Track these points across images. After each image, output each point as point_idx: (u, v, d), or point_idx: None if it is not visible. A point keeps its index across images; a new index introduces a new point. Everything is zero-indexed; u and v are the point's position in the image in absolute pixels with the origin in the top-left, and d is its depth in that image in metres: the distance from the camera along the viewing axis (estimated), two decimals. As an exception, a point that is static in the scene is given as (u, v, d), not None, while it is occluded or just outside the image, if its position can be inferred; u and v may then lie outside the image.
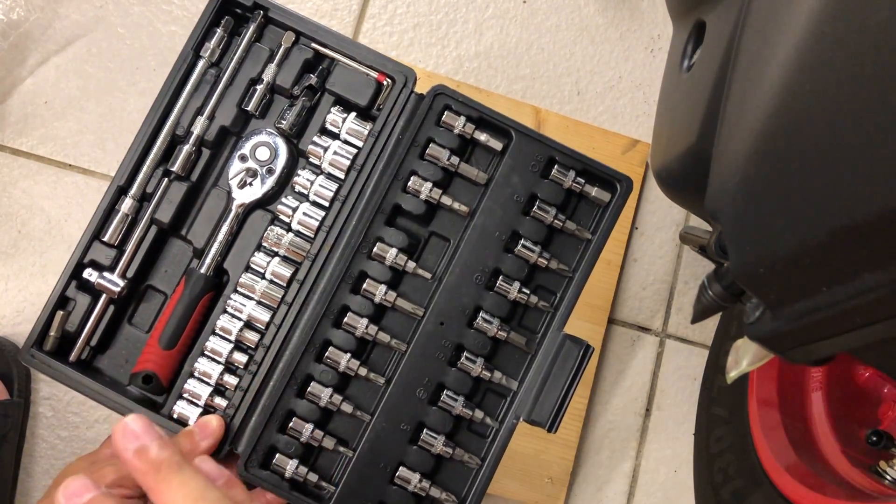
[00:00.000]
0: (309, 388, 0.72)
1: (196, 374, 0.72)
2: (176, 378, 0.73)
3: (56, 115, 1.01)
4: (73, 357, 0.73)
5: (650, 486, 1.04)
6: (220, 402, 0.72)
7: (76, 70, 1.03)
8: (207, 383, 0.72)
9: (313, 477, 0.71)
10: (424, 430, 0.73)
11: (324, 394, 0.71)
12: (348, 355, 0.72)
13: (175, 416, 0.72)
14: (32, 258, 1.00)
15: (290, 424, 0.71)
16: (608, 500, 1.03)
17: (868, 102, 0.42)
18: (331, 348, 0.72)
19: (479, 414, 0.73)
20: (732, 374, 0.70)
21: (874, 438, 0.75)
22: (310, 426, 0.71)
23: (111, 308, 0.74)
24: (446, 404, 0.73)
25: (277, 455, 0.71)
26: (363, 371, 0.72)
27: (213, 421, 0.69)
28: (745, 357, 0.68)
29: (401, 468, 0.72)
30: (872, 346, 0.51)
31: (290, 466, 0.71)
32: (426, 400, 0.73)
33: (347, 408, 0.72)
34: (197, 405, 0.72)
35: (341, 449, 0.72)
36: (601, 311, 1.03)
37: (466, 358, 0.73)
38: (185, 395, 0.72)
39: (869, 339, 0.49)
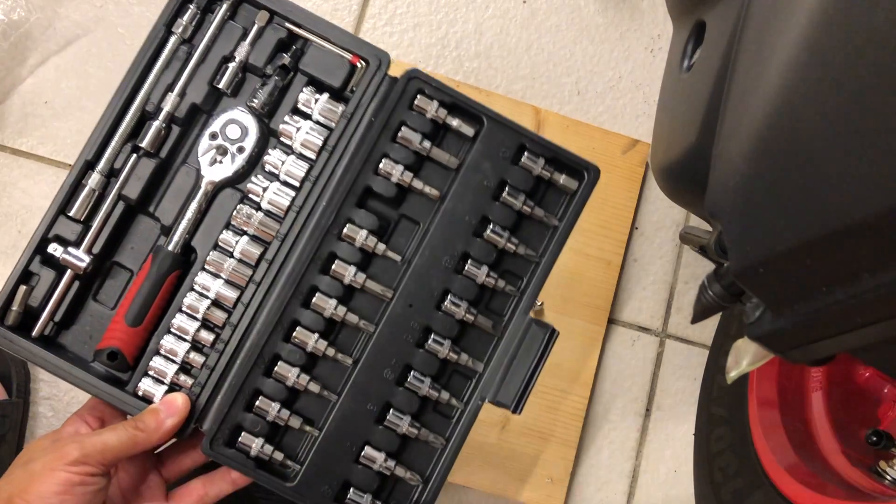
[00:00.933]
0: (276, 368, 0.69)
1: (162, 351, 0.69)
2: (141, 355, 0.70)
3: (56, 115, 1.01)
4: (35, 332, 0.69)
5: (650, 486, 1.03)
6: (185, 380, 0.69)
7: (76, 70, 1.02)
8: (173, 361, 0.69)
9: (279, 456, 0.68)
10: (391, 411, 0.70)
11: (291, 373, 0.69)
12: (316, 335, 0.69)
13: (140, 393, 0.68)
14: (32, 258, 0.99)
15: (257, 403, 0.68)
16: (608, 500, 1.02)
17: (867, 103, 0.41)
18: (299, 328, 0.69)
19: (444, 395, 0.70)
20: (732, 374, 0.69)
21: (874, 438, 0.74)
22: (276, 405, 0.68)
23: (76, 284, 0.70)
24: (413, 385, 0.70)
25: (243, 433, 0.68)
26: (331, 351, 0.69)
27: (179, 399, 0.66)
28: (745, 357, 0.67)
29: (366, 448, 0.70)
30: (872, 346, 0.51)
31: (256, 445, 0.68)
32: (393, 381, 0.70)
33: (314, 388, 0.69)
34: (162, 383, 0.69)
35: (307, 428, 0.69)
36: (601, 311, 1.02)
37: (434, 340, 0.70)
38: (151, 373, 0.69)
39: (869, 339, 0.49)
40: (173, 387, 0.69)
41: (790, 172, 0.47)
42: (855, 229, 0.41)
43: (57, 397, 0.95)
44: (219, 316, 0.70)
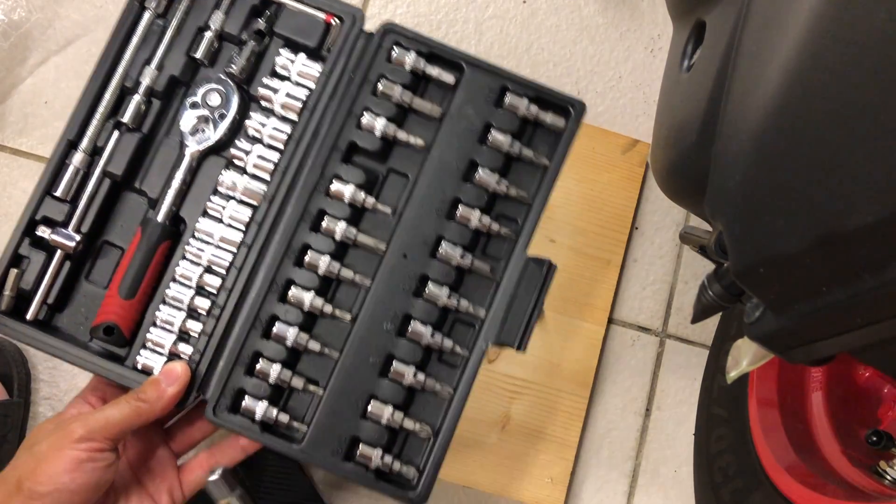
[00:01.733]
0: (274, 329, 0.67)
1: (158, 322, 0.67)
2: (138, 329, 0.68)
3: (56, 115, 1.00)
4: (30, 316, 0.68)
5: (650, 486, 1.02)
6: (184, 349, 0.67)
7: (76, 70, 1.01)
8: (170, 331, 0.67)
9: (284, 418, 0.67)
10: (394, 362, 0.68)
11: (290, 333, 0.67)
12: (312, 293, 0.67)
13: (139, 366, 0.67)
14: (32, 258, 0.99)
15: (258, 366, 0.67)
16: (608, 500, 1.02)
17: (868, 103, 0.40)
18: (294, 287, 0.68)
19: (448, 343, 0.68)
20: (732, 374, 0.68)
21: (874, 438, 0.72)
22: (277, 367, 0.66)
23: (67, 265, 0.69)
24: (414, 334, 0.68)
25: (247, 398, 0.66)
26: (328, 308, 0.68)
27: (178, 366, 0.65)
28: (745, 357, 0.67)
29: (372, 402, 0.67)
30: (872, 346, 0.51)
31: (260, 408, 0.66)
32: (394, 332, 0.68)
33: (315, 346, 0.67)
34: (161, 354, 0.67)
35: (311, 388, 0.67)
36: (601, 311, 1.01)
37: (431, 287, 0.69)
38: (149, 345, 0.67)
39: (869, 339, 0.48)
40: (172, 357, 0.68)
41: (790, 173, 0.46)
42: (856, 230, 0.41)
43: (57, 397, 0.94)
44: (213, 282, 0.68)
